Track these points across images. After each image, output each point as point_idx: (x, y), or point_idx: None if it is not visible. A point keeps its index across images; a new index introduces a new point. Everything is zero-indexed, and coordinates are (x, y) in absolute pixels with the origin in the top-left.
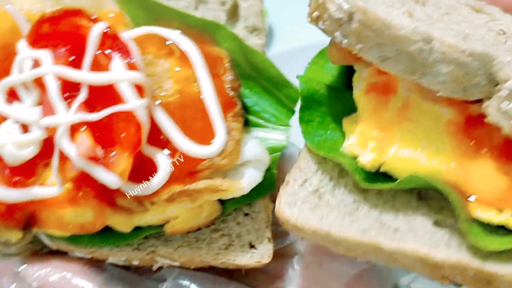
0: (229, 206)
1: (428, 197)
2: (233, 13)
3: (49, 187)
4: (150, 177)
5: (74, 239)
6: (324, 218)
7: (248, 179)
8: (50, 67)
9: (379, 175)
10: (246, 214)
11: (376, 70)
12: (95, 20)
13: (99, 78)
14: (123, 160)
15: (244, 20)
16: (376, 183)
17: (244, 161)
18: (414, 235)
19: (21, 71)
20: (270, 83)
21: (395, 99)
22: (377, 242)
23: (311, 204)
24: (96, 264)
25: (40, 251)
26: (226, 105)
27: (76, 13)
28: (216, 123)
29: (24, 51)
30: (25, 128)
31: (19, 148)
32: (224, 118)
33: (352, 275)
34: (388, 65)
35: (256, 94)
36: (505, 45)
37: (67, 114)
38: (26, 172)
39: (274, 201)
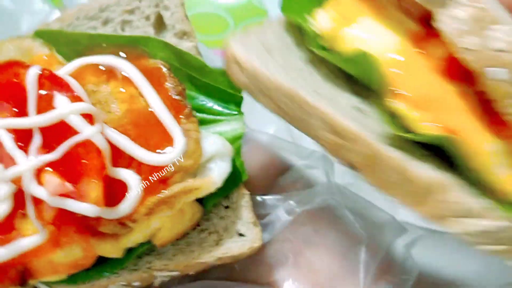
0: (208, 204)
1: (359, 84)
2: (160, 25)
3: (31, 236)
4: (124, 197)
5: (72, 279)
6: (264, 64)
7: (218, 172)
8: None
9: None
10: (227, 207)
11: None
12: (27, 66)
13: (47, 118)
14: (94, 188)
15: (171, 28)
16: (324, 52)
17: (208, 157)
18: (332, 103)
19: None
20: (209, 79)
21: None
22: (297, 92)
23: (260, 53)
24: None
25: None
26: (175, 110)
27: (9, 65)
28: (171, 129)
29: None
30: None
31: None
32: (177, 122)
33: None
34: None
35: (202, 93)
36: None
37: (27, 160)
38: (5, 228)
39: (248, 188)
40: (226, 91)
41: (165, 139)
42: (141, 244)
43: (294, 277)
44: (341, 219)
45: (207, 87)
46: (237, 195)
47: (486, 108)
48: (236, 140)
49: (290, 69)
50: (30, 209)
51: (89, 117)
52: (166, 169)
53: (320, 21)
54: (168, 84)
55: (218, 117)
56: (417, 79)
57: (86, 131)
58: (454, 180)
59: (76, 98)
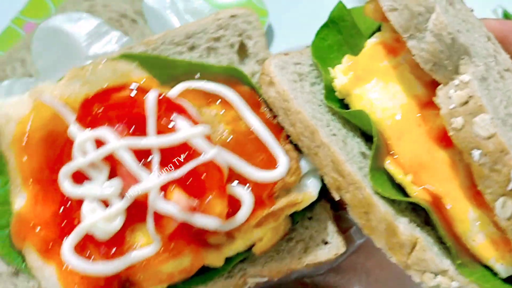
0: (297, 216)
1: (368, 136)
2: (243, 52)
3: (143, 248)
4: (235, 211)
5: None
6: (293, 89)
7: (313, 187)
8: (120, 141)
9: (342, 104)
10: (310, 218)
11: (395, 36)
12: (145, 90)
13: (172, 139)
14: (219, 203)
15: (254, 56)
16: (333, 103)
17: (303, 174)
18: (343, 145)
19: (85, 153)
20: None
21: (392, 59)
22: (315, 127)
23: (290, 77)
24: None
25: None
26: (275, 132)
27: (121, 88)
28: (274, 149)
29: (82, 133)
30: (103, 203)
31: (108, 222)
32: (279, 143)
33: None
34: (393, 16)
35: None
36: (487, 54)
37: (153, 178)
38: (118, 242)
39: (328, 201)
40: None
41: (268, 158)
42: (240, 253)
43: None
44: None
45: None
46: (319, 207)
47: (472, 179)
48: None
49: (314, 102)
50: (150, 223)
51: (208, 138)
52: (274, 185)
53: (338, 76)
54: (264, 110)
55: None
56: (413, 143)
57: (211, 153)
58: (432, 239)
59: (195, 122)
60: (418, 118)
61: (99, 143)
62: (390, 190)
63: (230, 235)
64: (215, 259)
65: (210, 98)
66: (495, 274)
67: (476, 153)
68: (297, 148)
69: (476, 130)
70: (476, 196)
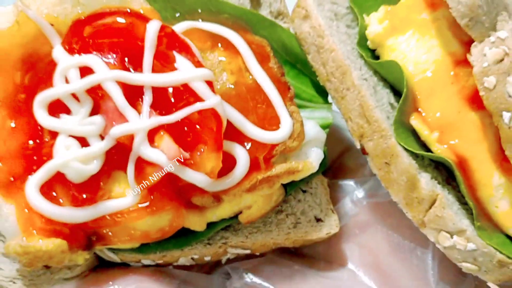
0: (291, 187)
1: (396, 89)
2: (256, 0)
3: (119, 199)
4: (227, 171)
5: (144, 248)
6: (329, 26)
7: (315, 158)
8: (109, 72)
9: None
10: (304, 191)
11: None
12: (146, 19)
13: (170, 79)
14: (212, 158)
15: (268, 5)
16: (365, 51)
17: (306, 141)
18: (373, 91)
19: (67, 81)
20: (305, 66)
21: (431, 13)
22: (349, 67)
23: (327, 14)
24: (162, 273)
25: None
26: (281, 90)
27: (118, 12)
28: (278, 108)
29: (67, 58)
30: (81, 142)
31: (84, 163)
32: (284, 103)
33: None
34: None
35: (294, 78)
36: None
37: (142, 120)
38: (91, 187)
39: (326, 175)
40: (317, 81)
41: (270, 117)
42: (224, 220)
43: (357, 263)
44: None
45: (300, 73)
46: (315, 181)
47: (500, 145)
48: (324, 128)
49: (348, 44)
50: (130, 169)
51: (210, 85)
52: (274, 147)
53: (373, 24)
54: (272, 65)
55: (308, 103)
56: (443, 101)
57: (212, 100)
58: (452, 198)
59: (198, 63)
60: (451, 75)
61: (84, 72)
62: (414, 144)
63: (217, 198)
64: (196, 222)
65: (215, 43)
66: None
67: (506, 116)
68: None
69: (509, 90)
70: (503, 162)
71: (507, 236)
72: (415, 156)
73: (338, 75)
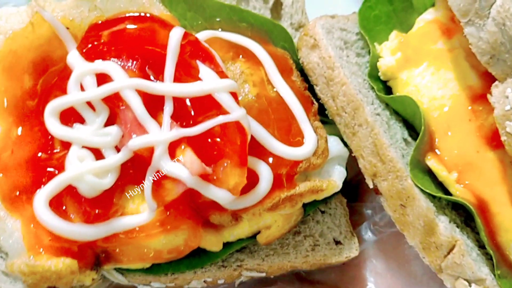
0: (310, 207)
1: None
2: (276, 11)
3: (133, 215)
4: (249, 188)
5: (154, 268)
6: (339, 57)
7: (338, 176)
8: (128, 80)
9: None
10: (323, 212)
11: (450, 14)
12: (169, 26)
13: (194, 89)
14: (236, 174)
15: (289, 17)
16: (376, 83)
17: (329, 158)
18: (387, 127)
19: (82, 88)
20: None
21: (447, 41)
22: (362, 105)
23: (336, 43)
24: None
25: None
26: (305, 105)
27: (139, 17)
28: (302, 123)
29: (83, 64)
30: (95, 153)
31: (98, 177)
32: (308, 117)
33: None
34: None
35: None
36: None
37: (163, 132)
38: (104, 203)
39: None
40: None
41: (295, 133)
42: (241, 240)
43: None
44: None
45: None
46: (334, 201)
47: None
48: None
49: (359, 75)
50: (148, 184)
51: (234, 97)
52: (297, 164)
53: (385, 56)
54: (295, 78)
55: (328, 119)
56: (461, 140)
57: (237, 112)
58: (471, 243)
59: (222, 74)
60: (469, 112)
61: (101, 79)
62: (431, 186)
63: (235, 216)
64: (213, 242)
65: (237, 53)
66: None
67: None
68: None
69: None
70: None
71: None
72: (432, 198)
73: (350, 110)
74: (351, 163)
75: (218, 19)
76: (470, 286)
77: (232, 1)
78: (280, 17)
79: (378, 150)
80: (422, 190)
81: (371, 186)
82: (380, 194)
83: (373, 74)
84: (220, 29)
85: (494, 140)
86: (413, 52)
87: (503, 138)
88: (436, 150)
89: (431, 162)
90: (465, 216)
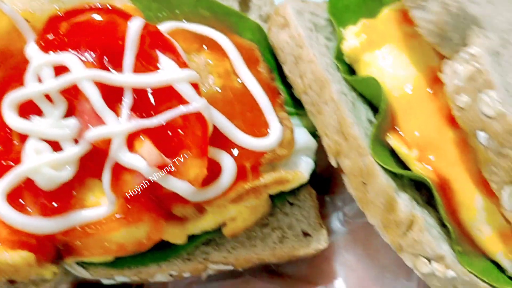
0: (279, 199)
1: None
2: (245, 3)
3: (93, 208)
4: (212, 179)
5: (117, 262)
6: (309, 37)
7: (305, 167)
8: (85, 71)
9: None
10: (292, 204)
11: None
12: (128, 16)
13: (154, 80)
14: (196, 165)
15: (257, 9)
16: (343, 65)
17: (295, 149)
18: (352, 106)
19: (40, 80)
20: None
21: (410, 27)
22: (329, 82)
23: (307, 24)
24: None
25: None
26: (271, 96)
27: (98, 9)
28: (268, 114)
29: (41, 56)
30: (53, 146)
31: (56, 169)
32: (273, 108)
33: None
34: None
35: (282, 84)
36: (509, 29)
37: (121, 123)
38: (63, 196)
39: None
40: None
41: (259, 124)
42: (207, 233)
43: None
44: None
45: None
46: (303, 193)
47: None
48: (314, 137)
49: (328, 57)
50: (106, 176)
51: (195, 87)
52: (261, 155)
53: (349, 38)
54: (262, 69)
55: (297, 110)
56: (422, 119)
57: (197, 103)
58: (432, 221)
59: (183, 64)
60: (429, 93)
61: (59, 71)
62: (392, 164)
63: (199, 208)
64: (177, 234)
65: (202, 45)
66: (500, 268)
67: (481, 135)
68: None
69: (482, 108)
70: (487, 183)
71: (492, 262)
72: (393, 176)
73: (316, 88)
74: (323, 156)
75: (184, 10)
76: (430, 263)
77: None
78: (248, 9)
79: (342, 128)
80: (383, 168)
81: (334, 165)
82: (343, 173)
83: (340, 57)
84: (185, 21)
85: (455, 120)
86: (377, 35)
87: (455, 113)
88: (397, 129)
89: (392, 140)
90: (427, 196)
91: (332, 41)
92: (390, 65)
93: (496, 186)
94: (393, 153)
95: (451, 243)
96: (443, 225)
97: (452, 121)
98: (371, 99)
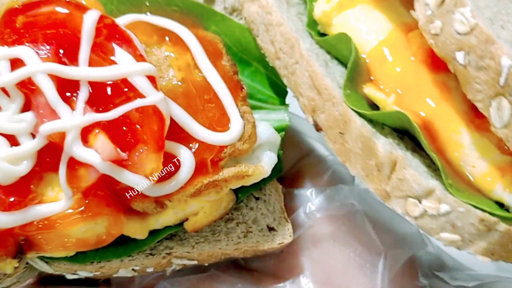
0: (243, 193)
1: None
2: None
3: (51, 203)
4: (171, 174)
5: (80, 257)
6: (279, 6)
7: (267, 162)
8: (40, 65)
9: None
10: (257, 198)
11: None
12: (85, 8)
13: (109, 73)
14: (152, 160)
15: (222, 1)
16: (313, 30)
17: (258, 144)
18: (324, 64)
19: None
20: (262, 64)
21: None
22: (298, 41)
23: None
24: None
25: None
26: (233, 90)
27: (56, 1)
28: (229, 108)
29: None
30: (10, 140)
31: (13, 163)
32: (235, 102)
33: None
34: None
35: (248, 77)
36: None
37: (75, 117)
38: (20, 190)
39: (281, 183)
40: (274, 81)
41: (219, 118)
42: (169, 228)
43: (309, 279)
44: (360, 230)
45: (256, 72)
46: (269, 188)
47: (468, 103)
48: (280, 131)
49: (299, 25)
50: (62, 171)
51: (152, 81)
52: (221, 150)
53: (319, 4)
54: (225, 62)
55: (263, 104)
56: (398, 66)
57: (154, 96)
58: (418, 162)
59: (140, 57)
60: (404, 41)
61: (16, 64)
62: (367, 108)
63: (159, 203)
64: (137, 229)
65: (163, 37)
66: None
67: (459, 55)
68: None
69: (456, 27)
70: (475, 119)
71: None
72: (369, 122)
73: (287, 49)
74: (292, 150)
75: (146, 4)
76: (420, 202)
77: None
78: (213, 1)
79: (314, 82)
80: (358, 113)
81: (311, 123)
82: (321, 130)
83: (311, 25)
84: (147, 13)
85: (433, 65)
86: None
87: (430, 42)
88: (372, 78)
89: (368, 89)
90: (413, 144)
91: (304, 15)
92: (363, 22)
93: (482, 105)
94: (372, 106)
95: (439, 179)
96: (432, 168)
97: (430, 66)
98: (344, 58)
